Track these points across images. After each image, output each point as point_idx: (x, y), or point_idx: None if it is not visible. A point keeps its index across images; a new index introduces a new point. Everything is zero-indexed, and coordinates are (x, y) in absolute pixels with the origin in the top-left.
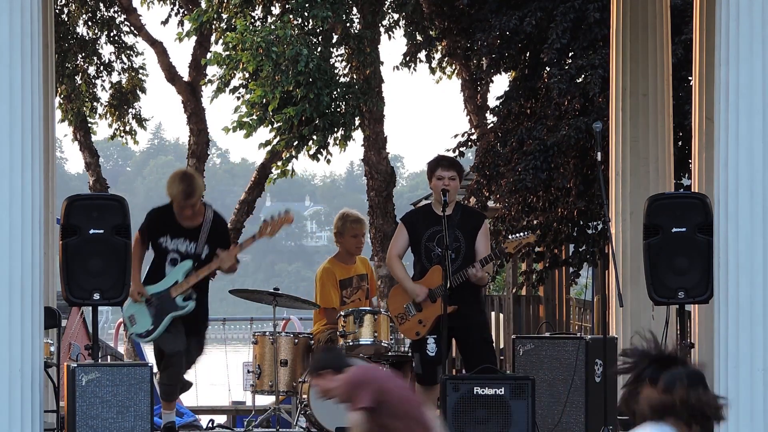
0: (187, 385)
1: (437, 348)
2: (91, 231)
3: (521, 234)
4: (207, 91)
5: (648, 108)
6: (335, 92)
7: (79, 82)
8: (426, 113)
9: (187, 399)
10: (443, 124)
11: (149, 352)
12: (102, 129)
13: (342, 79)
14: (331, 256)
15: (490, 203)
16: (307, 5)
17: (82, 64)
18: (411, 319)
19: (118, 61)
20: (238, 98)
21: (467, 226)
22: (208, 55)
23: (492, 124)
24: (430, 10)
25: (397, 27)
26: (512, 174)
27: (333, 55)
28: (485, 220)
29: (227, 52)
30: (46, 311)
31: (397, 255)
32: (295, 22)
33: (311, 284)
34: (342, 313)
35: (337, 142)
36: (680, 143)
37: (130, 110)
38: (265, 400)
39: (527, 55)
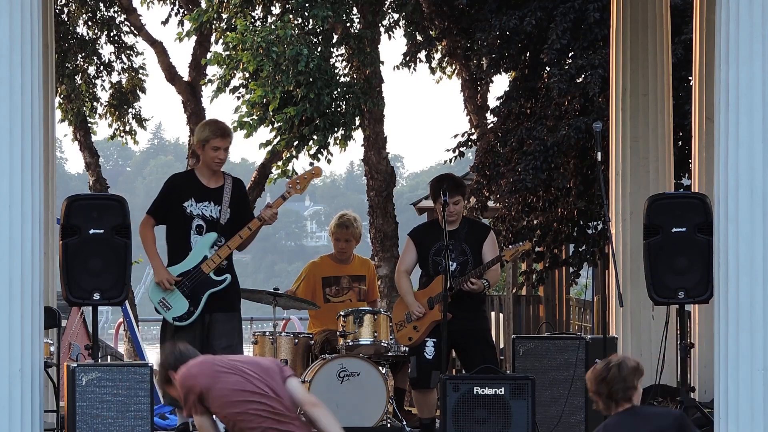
0: None
1: (435, 351)
2: (91, 231)
3: (518, 243)
4: (207, 91)
5: (648, 108)
6: (335, 92)
7: (79, 82)
8: (426, 113)
9: None
10: (443, 124)
11: (150, 352)
12: (102, 129)
13: (342, 79)
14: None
15: (490, 203)
16: (307, 5)
17: (82, 64)
18: (407, 326)
19: (118, 61)
20: (238, 98)
21: (473, 240)
22: (208, 55)
23: (492, 124)
24: (430, 10)
25: (397, 27)
26: (512, 174)
27: (333, 55)
28: (491, 231)
29: (227, 52)
30: (46, 311)
31: (405, 270)
32: (296, 22)
33: None
34: (342, 313)
35: (338, 142)
36: (680, 143)
37: (130, 110)
38: None
39: (527, 55)
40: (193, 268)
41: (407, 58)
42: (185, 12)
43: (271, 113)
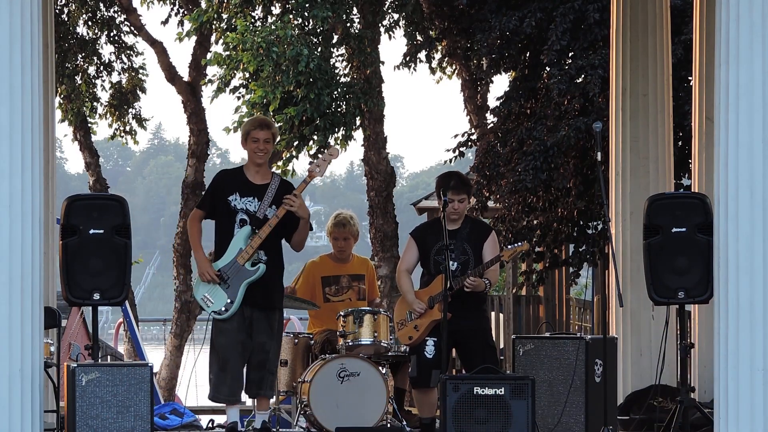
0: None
1: (435, 351)
2: (91, 231)
3: (516, 243)
4: (207, 91)
5: (648, 108)
6: (336, 92)
7: (79, 82)
8: (426, 113)
9: (187, 399)
10: (443, 124)
11: (150, 352)
12: (102, 129)
13: (342, 79)
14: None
15: (490, 203)
16: (307, 5)
17: (82, 64)
18: (408, 324)
19: (118, 61)
20: (239, 98)
21: (475, 239)
22: (209, 56)
23: (492, 124)
24: (430, 11)
25: (397, 27)
26: (512, 174)
27: (333, 55)
28: (492, 231)
29: (227, 53)
30: (46, 311)
31: (406, 270)
32: (296, 22)
33: None
34: (342, 313)
35: (338, 142)
36: (680, 143)
37: (130, 110)
38: None
39: (527, 55)
40: (230, 262)
41: (407, 58)
42: (185, 12)
43: (272, 113)
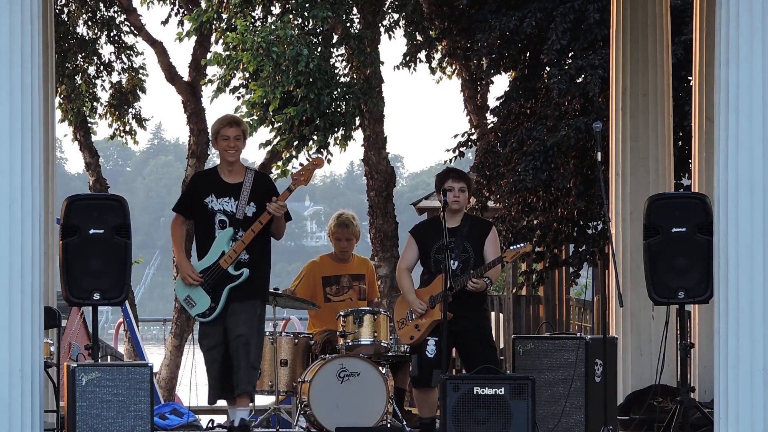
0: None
1: (437, 350)
2: (91, 231)
3: (519, 245)
4: (207, 91)
5: (648, 108)
6: (335, 92)
7: (79, 82)
8: (426, 113)
9: (187, 399)
10: (443, 124)
11: (150, 352)
12: (102, 129)
13: (342, 79)
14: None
15: (490, 203)
16: (307, 5)
17: (82, 64)
18: (409, 324)
19: (118, 61)
20: (239, 98)
21: (475, 237)
22: (209, 56)
23: (492, 125)
24: (430, 11)
25: (397, 27)
26: (512, 174)
27: (333, 55)
28: (493, 226)
29: (227, 53)
30: (46, 311)
31: (406, 268)
32: (296, 22)
33: None
34: (342, 313)
35: (338, 142)
36: (680, 143)
37: (130, 110)
38: (265, 400)
39: (527, 55)
40: (212, 265)
41: (407, 58)
42: (185, 12)
43: (271, 113)
